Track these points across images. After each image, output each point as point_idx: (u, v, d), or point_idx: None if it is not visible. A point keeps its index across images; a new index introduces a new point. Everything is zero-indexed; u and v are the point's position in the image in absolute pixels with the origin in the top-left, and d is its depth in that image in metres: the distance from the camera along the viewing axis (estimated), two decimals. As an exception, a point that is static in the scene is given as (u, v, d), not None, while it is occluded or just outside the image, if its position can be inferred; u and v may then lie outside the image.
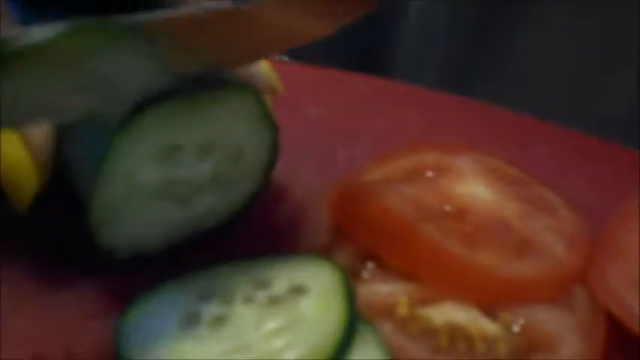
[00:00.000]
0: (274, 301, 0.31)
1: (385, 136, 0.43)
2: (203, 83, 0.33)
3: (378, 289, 0.33)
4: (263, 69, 0.38)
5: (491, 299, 0.33)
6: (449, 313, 0.32)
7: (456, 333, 0.32)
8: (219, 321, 0.31)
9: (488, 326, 0.32)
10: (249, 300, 0.32)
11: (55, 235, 0.37)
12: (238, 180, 0.36)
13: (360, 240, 0.35)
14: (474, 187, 0.37)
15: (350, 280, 0.33)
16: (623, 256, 0.35)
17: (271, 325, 0.31)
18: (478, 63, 0.57)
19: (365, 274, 0.34)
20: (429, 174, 0.38)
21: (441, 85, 0.49)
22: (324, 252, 0.35)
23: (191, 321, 0.31)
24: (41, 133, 0.35)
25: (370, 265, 0.34)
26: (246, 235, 0.37)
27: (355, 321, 0.30)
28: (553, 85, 0.56)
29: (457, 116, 0.46)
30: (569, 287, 0.34)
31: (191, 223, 0.35)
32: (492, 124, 0.45)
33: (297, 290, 0.32)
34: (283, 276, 0.32)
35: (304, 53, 0.58)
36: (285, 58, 0.54)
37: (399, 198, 0.36)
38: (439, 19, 0.58)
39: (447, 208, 0.36)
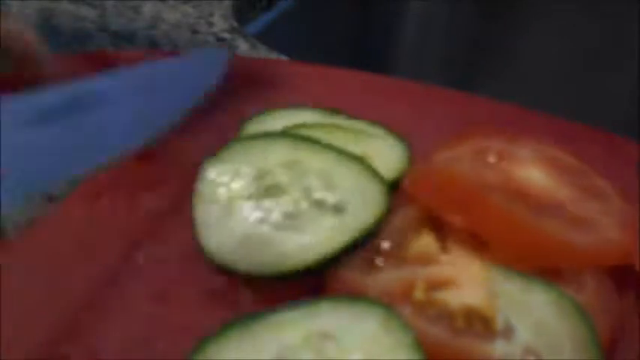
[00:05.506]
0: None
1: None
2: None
3: (395, 274, 0.35)
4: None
5: (550, 264, 0.35)
6: (464, 296, 0.33)
7: (472, 315, 0.33)
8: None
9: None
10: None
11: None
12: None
13: (425, 203, 0.37)
14: (532, 172, 0.39)
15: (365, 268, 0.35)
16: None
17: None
18: (478, 63, 0.58)
19: (379, 262, 0.36)
20: (491, 158, 0.40)
21: (441, 85, 0.50)
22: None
23: None
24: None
25: (381, 259, 0.36)
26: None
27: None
28: (553, 84, 0.57)
29: (443, 107, 0.48)
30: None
31: None
32: (478, 114, 0.47)
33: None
34: None
35: (304, 52, 0.59)
36: (284, 57, 0.55)
37: (465, 171, 0.38)
38: (439, 19, 0.59)
39: (507, 186, 0.38)
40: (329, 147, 0.40)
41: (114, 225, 0.39)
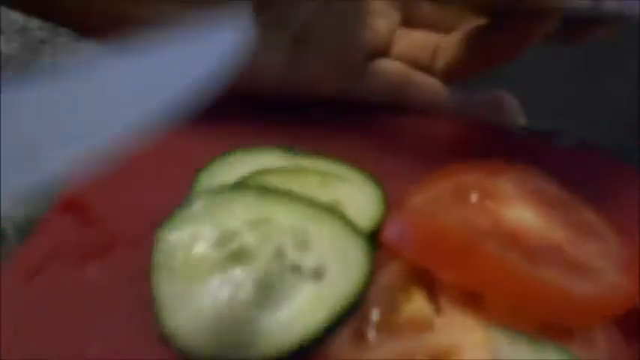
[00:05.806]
0: None
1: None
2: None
3: (390, 348, 0.31)
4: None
5: (549, 318, 0.33)
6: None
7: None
8: None
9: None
10: None
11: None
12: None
13: (411, 258, 0.34)
14: (522, 212, 0.36)
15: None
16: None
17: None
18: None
19: (371, 336, 0.32)
20: (474, 197, 0.37)
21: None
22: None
23: None
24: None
25: (373, 332, 0.32)
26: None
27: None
28: (553, 84, 0.55)
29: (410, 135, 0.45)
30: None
31: None
32: (449, 140, 0.45)
33: None
34: None
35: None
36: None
37: (451, 219, 0.35)
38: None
39: (499, 231, 0.35)
40: (298, 198, 0.36)
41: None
